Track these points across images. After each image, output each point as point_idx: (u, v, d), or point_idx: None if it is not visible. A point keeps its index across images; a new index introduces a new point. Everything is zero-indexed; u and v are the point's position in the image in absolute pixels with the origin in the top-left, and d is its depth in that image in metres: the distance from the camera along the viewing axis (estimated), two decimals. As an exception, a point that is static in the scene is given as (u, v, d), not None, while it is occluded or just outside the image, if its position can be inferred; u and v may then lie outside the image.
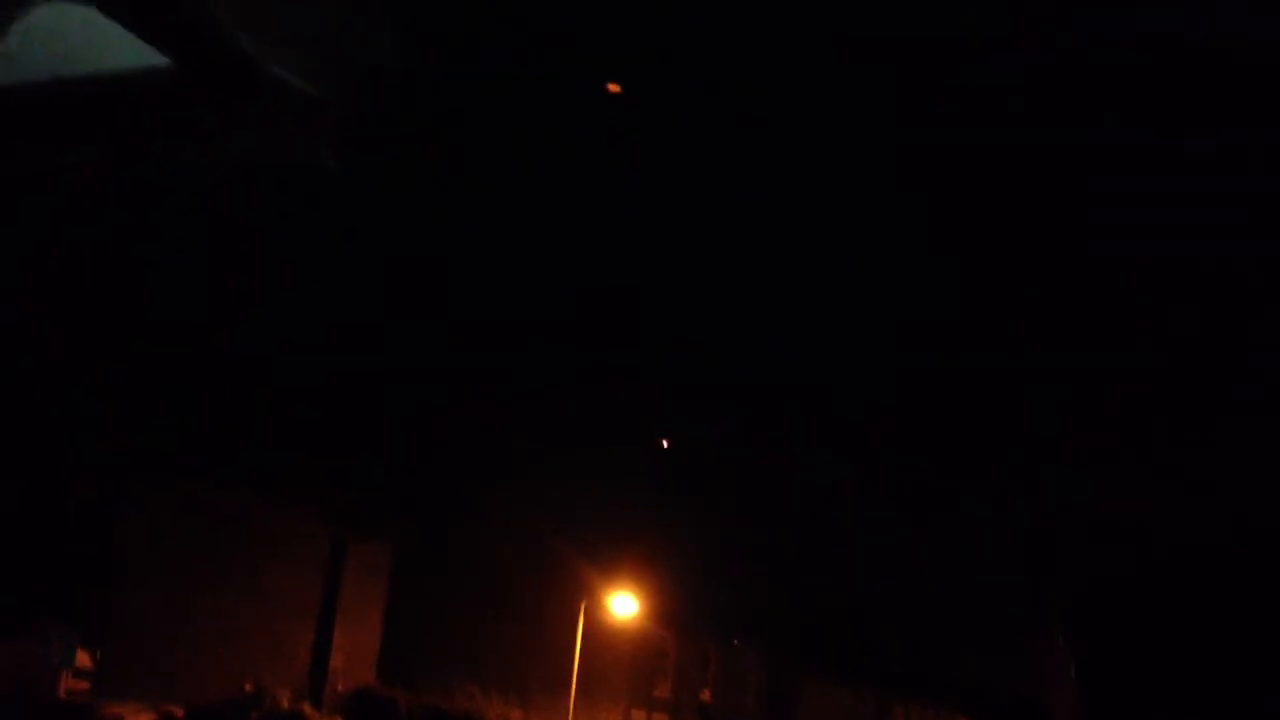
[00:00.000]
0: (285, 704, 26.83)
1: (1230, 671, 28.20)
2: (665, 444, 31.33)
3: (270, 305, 22.95)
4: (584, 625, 32.38)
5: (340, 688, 30.35)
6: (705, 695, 48.69)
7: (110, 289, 21.74)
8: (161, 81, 3.40)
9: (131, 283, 21.36)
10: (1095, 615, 31.62)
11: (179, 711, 25.45)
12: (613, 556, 35.05)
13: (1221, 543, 27.41)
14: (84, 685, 25.11)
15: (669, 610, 39.96)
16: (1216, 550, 27.75)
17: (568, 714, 31.57)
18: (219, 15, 3.09)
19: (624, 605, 33.90)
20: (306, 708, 27.21)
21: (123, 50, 3.32)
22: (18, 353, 23.83)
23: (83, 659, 25.20)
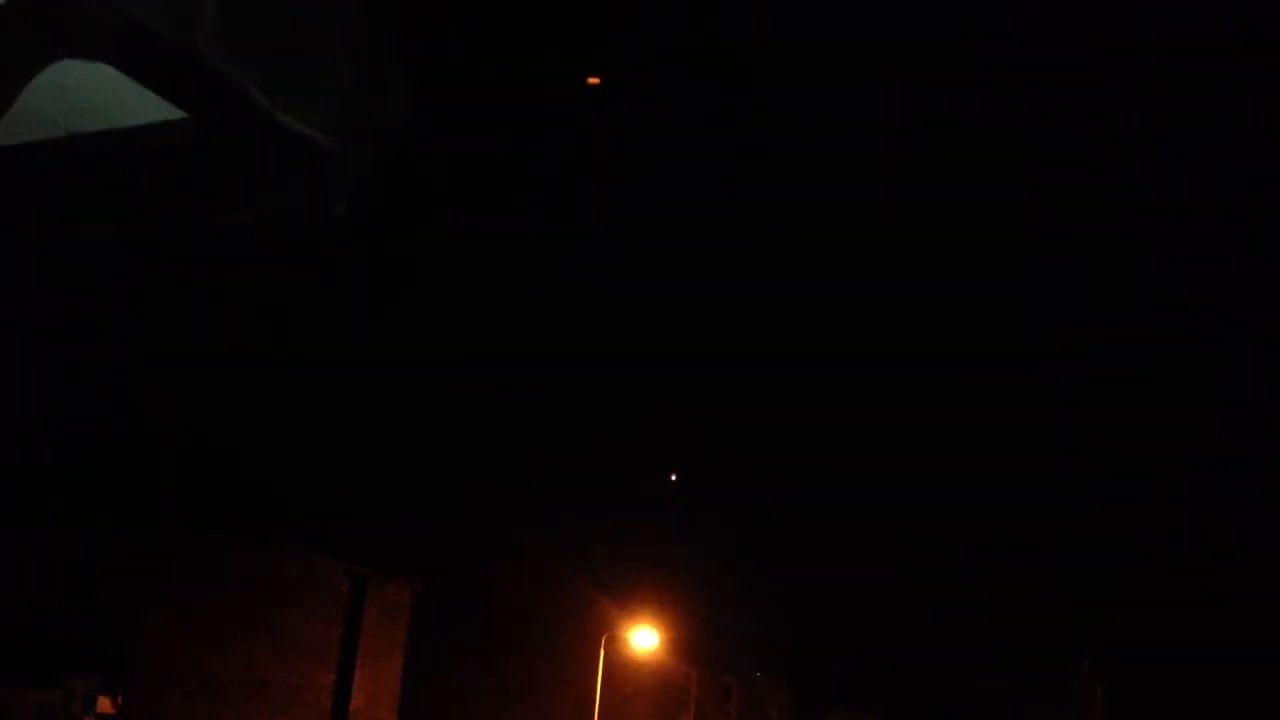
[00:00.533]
0: (307, 747, 26.70)
1: (1256, 699, 28.00)
2: (674, 478, 31.24)
3: (286, 355, 23.03)
4: (605, 660, 32.23)
5: (362, 729, 30.24)
6: (729, 728, 48.38)
7: (129, 345, 21.84)
8: (176, 136, 3.41)
9: (151, 338, 21.46)
10: (1121, 643, 31.40)
11: (201, 757, 25.36)
12: (633, 591, 34.93)
13: (1248, 571, 27.21)
14: (106, 732, 25.05)
15: (690, 644, 39.76)
16: (1241, 578, 27.54)
17: (591, 750, 31.39)
18: (233, 69, 3.10)
19: (645, 639, 33.73)
20: (328, 750, 27.08)
21: (137, 105, 3.34)
22: (41, 406, 23.99)
23: (104, 705, 25.16)
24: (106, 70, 3.09)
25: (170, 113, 3.33)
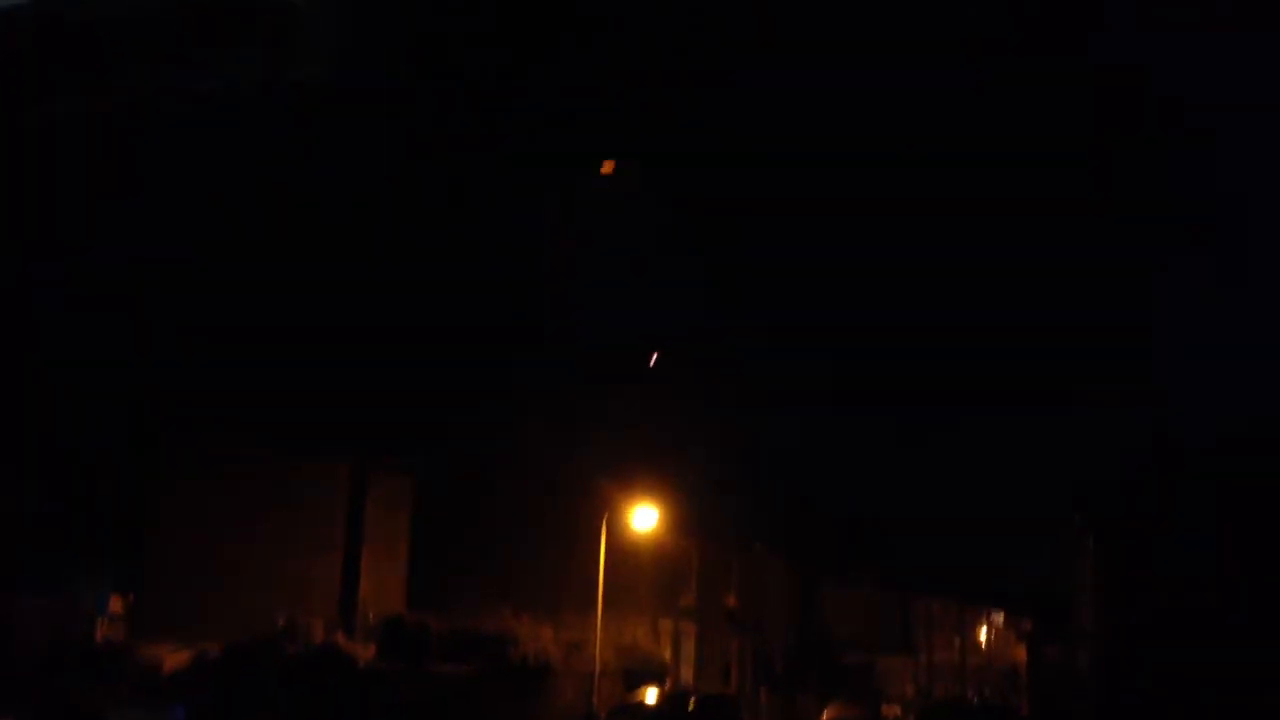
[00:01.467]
0: (319, 635, 27.22)
1: (1244, 547, 28.33)
2: (655, 358, 31.32)
3: (279, 243, 22.76)
4: (607, 540, 32.67)
5: (372, 617, 30.78)
6: (730, 600, 49.28)
7: (124, 237, 21.52)
8: (142, 3, 3.37)
9: (143, 228, 21.13)
10: (1111, 494, 31.78)
11: (215, 649, 25.86)
12: (632, 470, 35.24)
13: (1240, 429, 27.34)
14: (120, 630, 25.48)
15: (689, 520, 40.25)
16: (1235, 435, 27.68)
17: (596, 627, 31.99)
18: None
19: (645, 518, 34.14)
20: (340, 638, 27.61)
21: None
22: (41, 312, 23.80)
23: (117, 604, 25.55)
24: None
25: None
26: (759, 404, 34.37)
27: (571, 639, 32.36)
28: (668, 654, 42.21)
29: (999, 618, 70.86)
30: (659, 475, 34.90)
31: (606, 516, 33.01)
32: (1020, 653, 64.04)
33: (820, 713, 46.93)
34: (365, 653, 27.76)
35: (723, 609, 48.45)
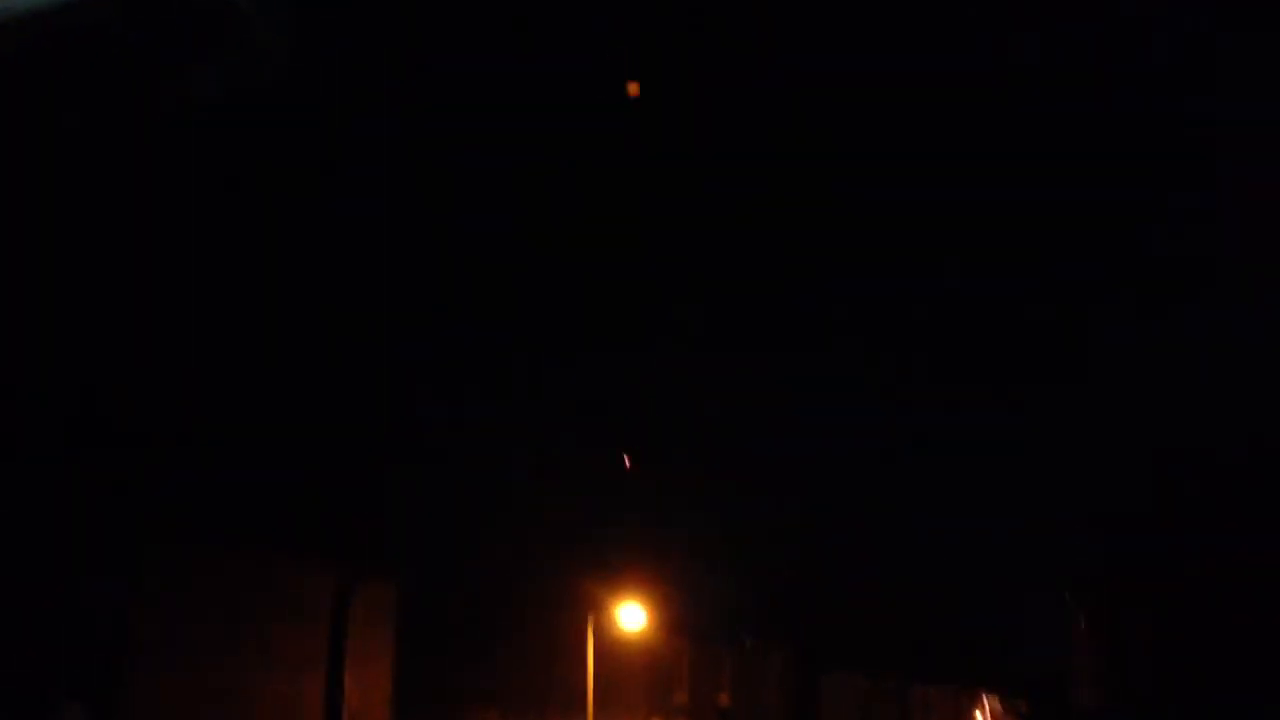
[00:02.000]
0: (304, 752, 26.58)
1: (1248, 624, 27.97)
2: (627, 460, 31.21)
3: (257, 356, 22.45)
4: (595, 639, 32.26)
5: (358, 731, 30.16)
6: (723, 698, 48.63)
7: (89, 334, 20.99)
8: (89, 15, 3.26)
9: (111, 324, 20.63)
10: (1103, 572, 31.60)
11: (198, 771, 25.19)
12: (617, 568, 34.96)
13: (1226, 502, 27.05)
14: (99, 759, 24.81)
15: (678, 616, 39.87)
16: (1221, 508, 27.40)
17: (588, 729, 31.45)
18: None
19: (632, 616, 33.77)
20: (326, 755, 26.99)
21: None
22: (13, 422, 23.34)
23: (96, 732, 24.92)
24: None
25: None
26: (745, 498, 34.16)
27: (563, 743, 31.75)
28: (662, 755, 41.48)
29: (995, 701, 70.29)
30: (646, 573, 34.60)
31: (593, 616, 32.61)
32: (1020, 736, 63.28)
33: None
34: (353, 767, 27.11)
35: (716, 706, 47.79)
